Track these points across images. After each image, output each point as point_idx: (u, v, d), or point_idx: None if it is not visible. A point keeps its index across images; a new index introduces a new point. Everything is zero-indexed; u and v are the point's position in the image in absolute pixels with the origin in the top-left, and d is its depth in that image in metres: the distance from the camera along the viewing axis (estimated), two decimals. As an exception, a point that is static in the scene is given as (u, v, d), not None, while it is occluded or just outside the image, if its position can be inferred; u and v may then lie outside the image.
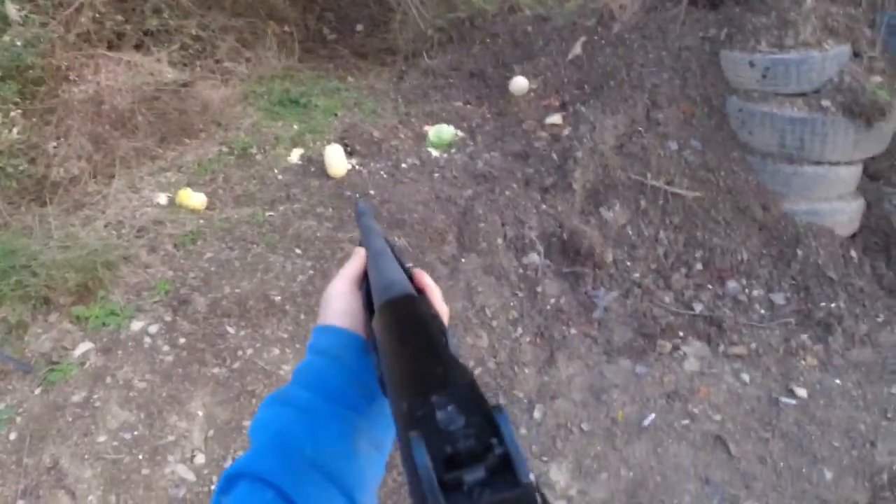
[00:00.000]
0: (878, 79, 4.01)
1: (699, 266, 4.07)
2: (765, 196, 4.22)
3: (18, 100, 4.21)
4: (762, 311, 3.81)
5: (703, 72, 4.61)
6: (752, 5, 4.53)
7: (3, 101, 4.03)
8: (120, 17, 4.80)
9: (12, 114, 3.87)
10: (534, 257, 3.96)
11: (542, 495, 0.44)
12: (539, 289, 3.83)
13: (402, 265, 0.80)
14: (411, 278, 0.78)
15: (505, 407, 2.83)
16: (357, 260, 0.85)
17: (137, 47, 4.88)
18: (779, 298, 3.88)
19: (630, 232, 4.17)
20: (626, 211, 4.25)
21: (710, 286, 3.98)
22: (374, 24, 7.05)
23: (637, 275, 4.02)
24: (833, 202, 4.13)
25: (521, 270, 3.90)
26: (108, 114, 4.20)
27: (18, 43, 4.11)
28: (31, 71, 4.25)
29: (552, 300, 3.83)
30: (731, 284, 3.96)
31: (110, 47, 4.81)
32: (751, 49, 4.29)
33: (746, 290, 3.93)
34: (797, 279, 3.91)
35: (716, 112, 4.49)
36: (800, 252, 3.98)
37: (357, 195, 4.10)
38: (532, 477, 0.45)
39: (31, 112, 4.31)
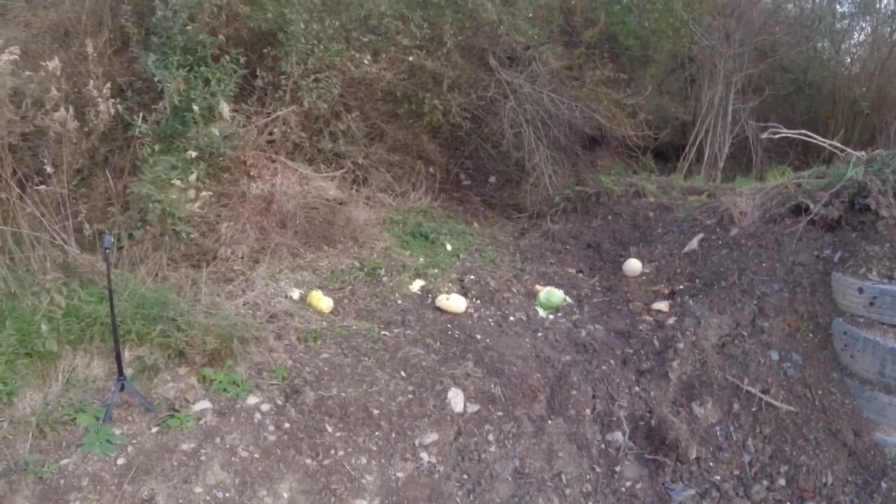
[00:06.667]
0: None
1: (782, 481, 3.98)
2: (858, 422, 4.14)
3: (207, 180, 4.88)
4: (838, 541, 3.65)
5: (813, 289, 4.71)
6: (867, 233, 4.69)
7: (195, 179, 4.68)
8: (303, 134, 5.60)
9: (202, 193, 4.53)
10: (618, 436, 4.06)
11: None
12: (617, 468, 3.88)
13: None
14: None
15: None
16: None
17: (310, 161, 5.66)
18: (856, 529, 3.71)
19: (719, 433, 4.18)
20: (717, 411, 4.28)
21: (789, 504, 3.87)
22: (506, 179, 7.74)
23: (718, 477, 3.99)
24: (925, 438, 4.00)
25: (603, 446, 3.99)
26: (275, 212, 4.86)
27: (219, 134, 4.79)
28: (221, 159, 4.96)
29: (628, 483, 3.86)
30: (812, 507, 3.84)
31: (288, 156, 5.60)
32: (861, 275, 4.40)
33: (825, 515, 3.80)
34: (877, 512, 3.75)
35: (821, 330, 4.53)
36: (884, 485, 3.84)
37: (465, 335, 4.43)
38: None
39: (214, 193, 4.97)
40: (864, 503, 3.80)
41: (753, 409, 4.25)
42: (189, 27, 4.73)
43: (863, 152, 5.29)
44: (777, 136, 5.83)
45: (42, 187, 4.28)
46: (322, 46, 5.34)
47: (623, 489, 3.82)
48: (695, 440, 4.08)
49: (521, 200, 6.97)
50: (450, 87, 6.35)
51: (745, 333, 4.63)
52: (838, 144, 5.69)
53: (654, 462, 3.98)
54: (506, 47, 6.75)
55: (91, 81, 4.40)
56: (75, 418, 3.24)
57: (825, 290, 4.65)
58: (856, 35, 9.73)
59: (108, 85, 4.44)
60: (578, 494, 3.69)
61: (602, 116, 6.99)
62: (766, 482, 3.97)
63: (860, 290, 4.34)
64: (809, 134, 5.80)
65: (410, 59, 5.95)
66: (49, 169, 4.21)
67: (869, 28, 9.48)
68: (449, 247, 5.57)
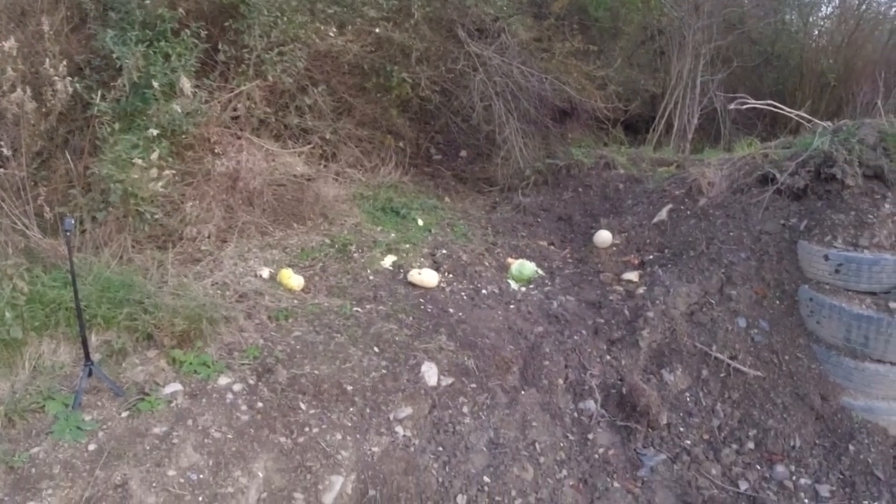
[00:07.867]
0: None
1: (751, 445, 4.10)
2: (825, 386, 4.26)
3: (170, 159, 4.75)
4: (806, 501, 3.78)
5: (779, 257, 4.81)
6: (833, 202, 4.78)
7: (157, 157, 4.56)
8: (268, 109, 5.49)
9: (165, 172, 4.43)
10: (590, 404, 4.12)
11: None
12: (590, 436, 3.95)
13: None
14: None
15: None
16: None
17: (276, 137, 5.56)
18: (824, 490, 3.85)
19: (688, 398, 4.28)
20: (687, 377, 4.38)
21: (758, 467, 3.99)
22: (477, 153, 7.71)
23: (688, 442, 4.09)
24: (891, 402, 4.14)
25: (575, 414, 4.05)
26: (241, 190, 4.78)
27: (180, 111, 4.64)
28: (184, 136, 4.83)
29: (601, 450, 3.94)
30: (780, 469, 3.96)
31: (253, 132, 5.49)
32: (827, 243, 4.51)
33: (794, 477, 3.92)
34: (845, 474, 3.88)
35: (787, 297, 4.64)
36: (851, 447, 3.98)
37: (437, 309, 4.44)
38: None
39: (177, 171, 4.86)
40: (833, 465, 3.93)
41: (722, 375, 4.34)
42: (147, 1, 4.57)
43: (829, 123, 5.37)
44: (745, 106, 5.88)
45: (0, 171, 4.15)
46: (285, 18, 5.21)
47: (596, 456, 3.89)
48: (665, 406, 4.17)
49: (492, 174, 6.96)
50: (418, 60, 6.26)
51: (713, 301, 4.72)
52: (805, 115, 5.76)
53: (625, 429, 4.06)
54: (475, 19, 6.67)
55: (47, 60, 4.25)
56: (44, 406, 3.18)
57: (791, 259, 4.74)
58: (823, 7, 9.84)
59: (65, 63, 4.29)
60: (552, 462, 3.76)
61: (572, 89, 6.98)
62: (735, 446, 4.08)
63: (826, 258, 4.44)
64: (777, 105, 5.87)
65: (377, 30, 5.85)
66: (7, 152, 4.08)
67: (836, 0, 9.57)
68: (420, 222, 5.55)
